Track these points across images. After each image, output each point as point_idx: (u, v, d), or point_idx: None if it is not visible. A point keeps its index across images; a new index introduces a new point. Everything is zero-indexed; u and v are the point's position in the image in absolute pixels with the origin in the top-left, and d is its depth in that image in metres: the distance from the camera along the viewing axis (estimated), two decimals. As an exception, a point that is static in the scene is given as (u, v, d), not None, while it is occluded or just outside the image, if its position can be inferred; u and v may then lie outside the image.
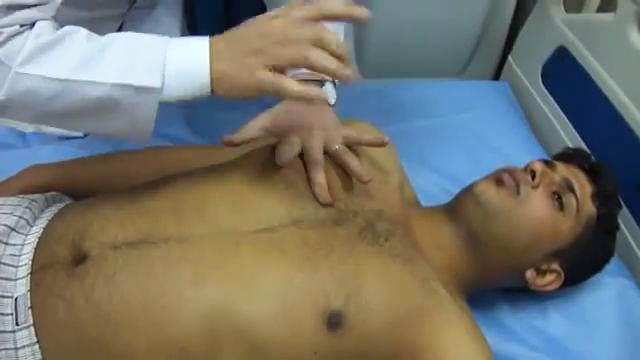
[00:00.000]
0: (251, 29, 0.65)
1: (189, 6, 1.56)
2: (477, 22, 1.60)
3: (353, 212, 0.80)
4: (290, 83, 0.64)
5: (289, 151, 0.78)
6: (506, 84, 1.51)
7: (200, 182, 0.79)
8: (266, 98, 0.68)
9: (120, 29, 1.02)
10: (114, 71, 0.63)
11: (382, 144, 0.83)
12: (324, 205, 0.78)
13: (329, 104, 0.88)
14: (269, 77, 0.64)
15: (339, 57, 0.64)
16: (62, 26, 0.96)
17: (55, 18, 0.68)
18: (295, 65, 0.65)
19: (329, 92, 0.87)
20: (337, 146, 0.82)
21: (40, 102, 0.65)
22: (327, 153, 0.82)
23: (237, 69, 0.64)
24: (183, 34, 1.17)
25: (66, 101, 0.64)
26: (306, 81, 0.85)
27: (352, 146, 0.85)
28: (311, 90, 0.64)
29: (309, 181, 0.79)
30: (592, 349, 0.92)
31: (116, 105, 0.64)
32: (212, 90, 0.65)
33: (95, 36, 0.67)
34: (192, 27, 1.59)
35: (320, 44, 0.63)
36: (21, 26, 0.64)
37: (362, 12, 0.66)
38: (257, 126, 0.83)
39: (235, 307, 0.69)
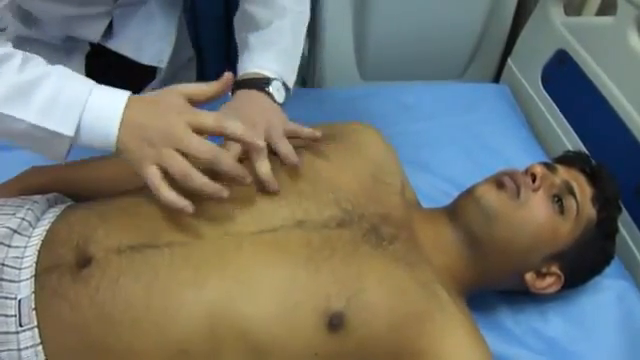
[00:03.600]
0: (165, 119, 0.68)
1: (191, 5, 1.57)
2: (477, 25, 1.60)
3: (359, 215, 0.80)
4: (163, 191, 0.68)
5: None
6: (506, 87, 1.51)
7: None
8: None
9: (110, 26, 1.03)
10: (35, 112, 0.66)
11: (315, 138, 0.84)
12: (273, 192, 0.77)
13: (277, 102, 0.89)
14: (151, 174, 0.68)
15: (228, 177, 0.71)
16: (51, 22, 0.98)
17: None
18: (177, 177, 0.68)
19: (277, 90, 0.89)
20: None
21: None
22: (270, 149, 0.81)
23: (135, 149, 0.68)
24: (180, 31, 1.18)
25: None
26: (252, 79, 0.88)
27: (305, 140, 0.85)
28: (179, 202, 0.68)
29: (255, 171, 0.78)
30: (591, 351, 0.93)
31: (32, 138, 0.68)
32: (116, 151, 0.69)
33: (29, 64, 0.68)
34: (193, 26, 1.60)
35: (214, 166, 0.69)
36: None
37: (258, 145, 0.73)
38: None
39: (236, 308, 0.69)
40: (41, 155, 0.72)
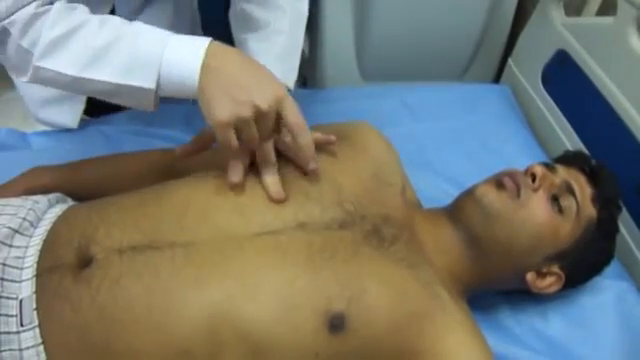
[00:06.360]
0: (260, 76, 0.72)
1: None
2: (477, 25, 1.60)
3: (361, 216, 0.80)
4: (234, 142, 0.71)
5: (238, 168, 0.78)
6: (507, 87, 1.52)
7: (204, 185, 0.79)
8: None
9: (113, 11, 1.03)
10: (116, 72, 0.72)
11: (330, 143, 0.84)
12: (278, 202, 0.77)
13: None
14: (223, 126, 0.70)
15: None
16: None
17: None
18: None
19: None
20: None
21: (59, 86, 0.75)
22: (280, 151, 0.81)
23: (214, 97, 0.70)
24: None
25: (78, 89, 0.75)
26: None
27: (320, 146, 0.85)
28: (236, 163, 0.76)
29: (261, 182, 0.79)
30: (591, 351, 0.93)
31: (120, 95, 0.74)
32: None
33: (106, 25, 0.72)
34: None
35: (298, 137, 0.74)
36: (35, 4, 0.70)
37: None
38: (209, 134, 0.84)
39: (237, 309, 0.69)
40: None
